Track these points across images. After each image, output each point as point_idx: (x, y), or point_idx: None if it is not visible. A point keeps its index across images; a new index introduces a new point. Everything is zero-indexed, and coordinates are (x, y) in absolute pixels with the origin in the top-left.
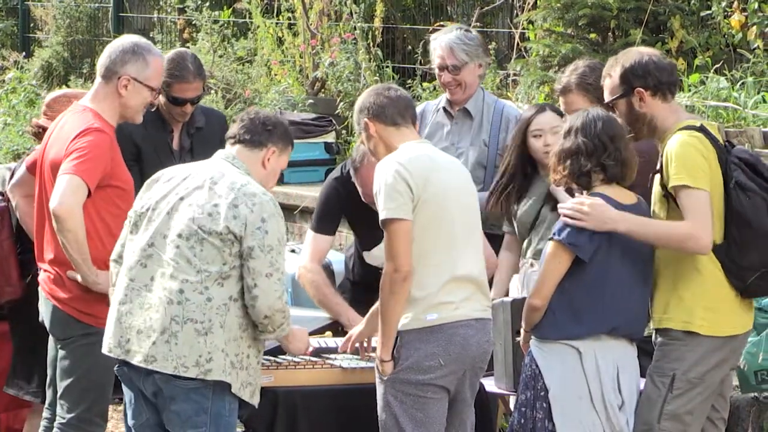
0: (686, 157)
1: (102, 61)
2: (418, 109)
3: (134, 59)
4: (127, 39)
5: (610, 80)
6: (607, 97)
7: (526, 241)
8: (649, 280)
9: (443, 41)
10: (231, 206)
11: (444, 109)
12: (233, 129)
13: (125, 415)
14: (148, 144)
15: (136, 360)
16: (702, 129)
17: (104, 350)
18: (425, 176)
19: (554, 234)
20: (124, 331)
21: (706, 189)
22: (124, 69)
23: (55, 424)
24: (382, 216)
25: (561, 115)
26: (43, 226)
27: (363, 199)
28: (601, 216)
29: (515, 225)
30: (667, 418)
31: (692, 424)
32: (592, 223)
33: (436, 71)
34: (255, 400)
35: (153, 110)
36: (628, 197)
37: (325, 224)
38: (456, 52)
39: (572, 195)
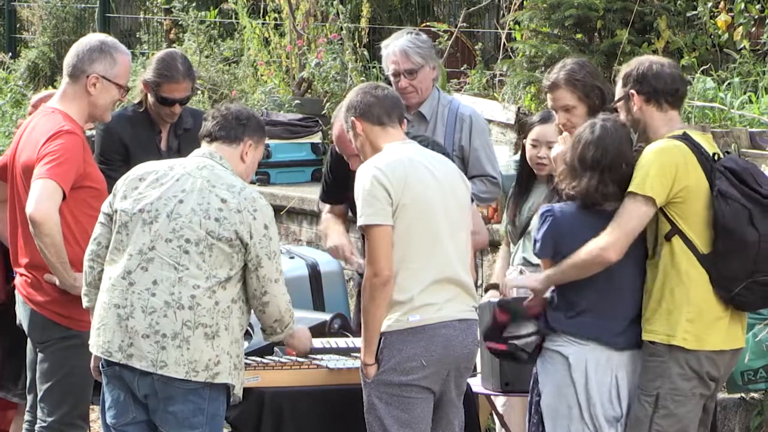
0: (648, 165)
1: (69, 61)
2: None
3: (102, 57)
4: (94, 37)
5: (617, 85)
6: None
7: (515, 247)
8: (641, 285)
9: (396, 46)
10: (236, 212)
11: None
12: (207, 127)
13: (103, 413)
14: (136, 144)
15: (142, 365)
16: (684, 137)
17: (99, 353)
18: (404, 180)
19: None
20: (126, 335)
21: (652, 196)
22: (92, 67)
23: (36, 427)
24: (360, 222)
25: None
26: (17, 231)
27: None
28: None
29: (511, 229)
30: None
31: None
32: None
33: (392, 78)
34: (241, 394)
35: (141, 110)
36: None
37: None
38: (411, 55)
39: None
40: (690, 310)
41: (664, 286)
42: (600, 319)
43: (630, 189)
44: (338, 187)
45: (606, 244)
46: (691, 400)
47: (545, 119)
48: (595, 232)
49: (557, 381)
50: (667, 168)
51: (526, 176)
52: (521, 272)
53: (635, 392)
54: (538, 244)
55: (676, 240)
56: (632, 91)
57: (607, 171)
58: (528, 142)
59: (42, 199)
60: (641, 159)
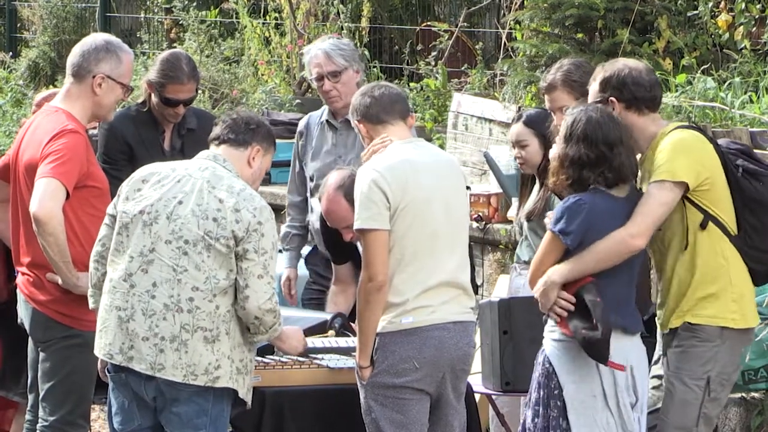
0: (675, 153)
1: (74, 61)
2: (302, 122)
3: (108, 57)
4: (99, 37)
5: (593, 85)
6: (589, 101)
7: (517, 248)
8: (635, 272)
9: (318, 49)
10: (234, 210)
11: (327, 122)
12: (216, 130)
13: (110, 419)
14: (140, 144)
15: (141, 367)
16: (695, 126)
17: (101, 355)
18: (403, 183)
19: (550, 224)
20: (126, 337)
21: (685, 181)
22: (99, 67)
23: (38, 426)
24: (356, 225)
25: (531, 126)
26: (19, 230)
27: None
28: (546, 295)
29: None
30: (702, 420)
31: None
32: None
33: (315, 83)
34: (249, 400)
35: (145, 110)
36: (622, 190)
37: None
38: (333, 57)
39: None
40: (734, 291)
41: (706, 274)
42: (621, 307)
43: (658, 178)
44: (336, 249)
45: (637, 233)
46: (729, 383)
47: (515, 119)
48: (614, 219)
49: (578, 371)
50: (695, 155)
51: (525, 175)
52: (520, 274)
53: (677, 374)
54: (569, 237)
55: (711, 227)
56: (612, 98)
57: (626, 142)
58: None
59: (45, 197)
60: (662, 149)
